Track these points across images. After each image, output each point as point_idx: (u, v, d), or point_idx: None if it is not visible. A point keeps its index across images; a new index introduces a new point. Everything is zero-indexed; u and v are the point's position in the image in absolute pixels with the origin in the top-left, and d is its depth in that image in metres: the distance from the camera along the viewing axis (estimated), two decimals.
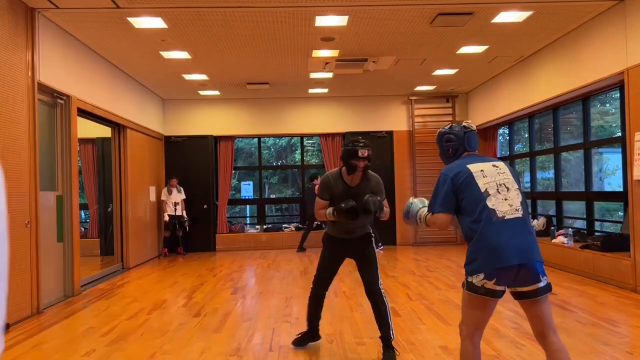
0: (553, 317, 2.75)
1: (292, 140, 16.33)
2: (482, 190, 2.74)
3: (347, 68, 8.88)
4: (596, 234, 7.93)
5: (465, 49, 8.27)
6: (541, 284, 2.66)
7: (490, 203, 2.71)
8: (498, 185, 2.76)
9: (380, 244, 10.92)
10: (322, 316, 4.37)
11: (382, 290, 4.00)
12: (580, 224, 8.65)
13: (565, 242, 7.79)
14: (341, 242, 4.10)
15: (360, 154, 3.88)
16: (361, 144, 3.89)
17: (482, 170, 2.80)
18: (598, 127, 8.64)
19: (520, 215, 2.71)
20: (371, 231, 4.15)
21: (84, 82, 7.43)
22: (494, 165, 2.85)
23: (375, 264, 4.04)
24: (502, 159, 11.36)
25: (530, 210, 2.80)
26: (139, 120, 9.90)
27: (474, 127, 3.02)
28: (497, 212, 2.69)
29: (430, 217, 2.89)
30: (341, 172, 4.03)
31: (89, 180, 10.43)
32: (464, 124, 3.00)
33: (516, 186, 2.80)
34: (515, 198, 2.75)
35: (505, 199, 2.72)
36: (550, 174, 9.40)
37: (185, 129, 11.89)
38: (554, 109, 8.83)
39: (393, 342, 3.96)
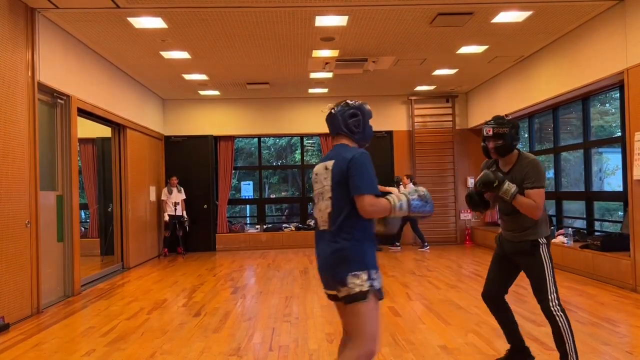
0: (353, 332, 2.70)
1: (292, 140, 16.35)
2: (315, 199, 2.78)
3: (347, 68, 8.89)
4: (596, 233, 7.93)
5: (465, 49, 8.27)
6: (340, 294, 2.67)
7: (315, 213, 2.78)
8: (319, 193, 2.73)
9: (426, 243, 10.91)
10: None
11: (557, 310, 3.25)
12: (580, 223, 8.66)
13: (565, 241, 7.80)
14: (503, 242, 3.55)
15: (485, 133, 3.41)
16: (490, 122, 3.43)
17: (316, 174, 2.75)
18: (598, 127, 8.64)
19: (327, 228, 2.68)
20: (538, 238, 3.33)
21: (84, 82, 7.43)
22: (326, 168, 2.68)
23: (540, 279, 3.30)
24: None
25: (341, 219, 2.59)
26: (139, 120, 9.90)
27: (332, 110, 2.74)
28: (317, 221, 2.75)
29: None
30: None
31: (89, 180, 10.44)
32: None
33: (329, 194, 2.63)
34: (325, 210, 2.67)
35: (320, 210, 2.72)
36: (550, 173, 9.39)
37: (185, 128, 11.91)
38: (554, 108, 8.84)
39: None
